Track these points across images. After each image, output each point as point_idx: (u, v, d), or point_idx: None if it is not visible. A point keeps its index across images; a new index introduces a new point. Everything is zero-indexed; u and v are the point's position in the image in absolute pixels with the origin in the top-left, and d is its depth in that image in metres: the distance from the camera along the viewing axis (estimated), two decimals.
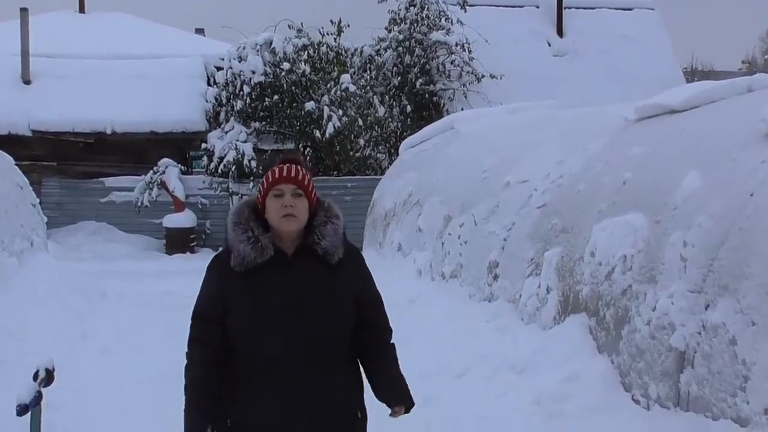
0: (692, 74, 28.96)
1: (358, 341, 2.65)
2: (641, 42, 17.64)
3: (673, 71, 17.57)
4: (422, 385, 5.03)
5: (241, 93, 14.86)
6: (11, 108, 15.20)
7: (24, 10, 15.98)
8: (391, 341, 2.75)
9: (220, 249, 2.70)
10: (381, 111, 15.09)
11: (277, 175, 2.58)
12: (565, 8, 17.98)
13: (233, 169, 14.18)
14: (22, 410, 2.67)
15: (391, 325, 2.77)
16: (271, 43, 15.10)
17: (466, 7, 16.23)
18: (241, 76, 14.84)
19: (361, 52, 16.31)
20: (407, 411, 2.69)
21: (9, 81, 15.78)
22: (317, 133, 14.48)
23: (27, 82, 15.95)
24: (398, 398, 2.67)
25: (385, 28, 16.50)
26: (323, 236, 2.57)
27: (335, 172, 15.06)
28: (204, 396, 2.54)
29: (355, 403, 2.68)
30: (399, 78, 16.12)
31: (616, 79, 16.30)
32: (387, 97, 15.98)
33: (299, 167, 2.61)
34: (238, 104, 14.85)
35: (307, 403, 2.54)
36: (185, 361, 2.61)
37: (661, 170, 4.68)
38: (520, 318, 5.59)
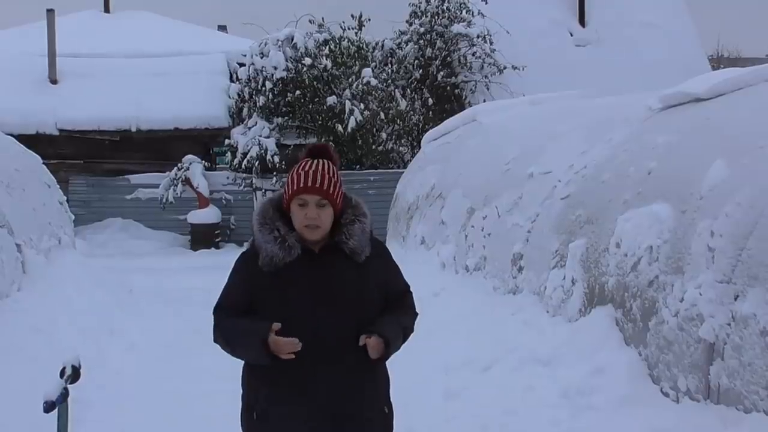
0: (718, 61, 28.48)
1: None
2: (665, 29, 17.38)
3: (698, 59, 17.30)
4: (447, 378, 5.04)
5: (264, 89, 14.92)
6: (39, 107, 15.42)
7: (50, 11, 16.19)
8: (415, 317, 2.72)
9: (246, 245, 2.71)
10: (403, 104, 15.06)
11: (302, 183, 2.54)
12: None
13: (257, 164, 14.26)
14: (48, 407, 2.70)
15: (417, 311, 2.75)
16: (292, 39, 15.14)
17: None
18: (264, 72, 14.90)
19: (383, 45, 16.28)
20: (386, 351, 2.53)
21: (36, 81, 16.00)
22: (339, 128, 14.49)
23: (54, 81, 16.17)
24: (378, 329, 2.52)
25: (406, 21, 16.46)
26: (350, 236, 2.57)
27: (358, 166, 15.07)
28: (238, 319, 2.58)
29: (382, 398, 2.68)
30: (420, 71, 16.06)
31: (640, 67, 16.06)
32: (408, 90, 15.93)
33: (326, 166, 2.57)
34: (261, 100, 14.91)
35: (333, 397, 2.55)
36: (215, 339, 2.65)
37: (686, 159, 4.61)
38: (545, 310, 5.54)
